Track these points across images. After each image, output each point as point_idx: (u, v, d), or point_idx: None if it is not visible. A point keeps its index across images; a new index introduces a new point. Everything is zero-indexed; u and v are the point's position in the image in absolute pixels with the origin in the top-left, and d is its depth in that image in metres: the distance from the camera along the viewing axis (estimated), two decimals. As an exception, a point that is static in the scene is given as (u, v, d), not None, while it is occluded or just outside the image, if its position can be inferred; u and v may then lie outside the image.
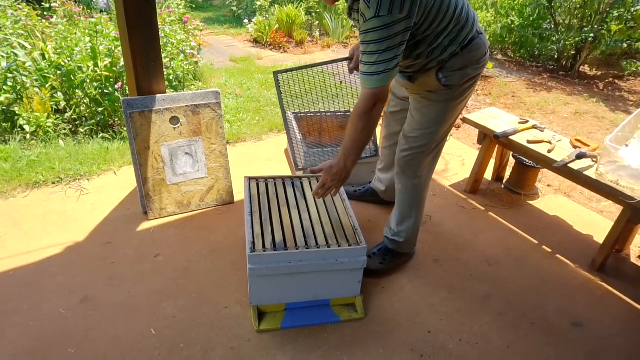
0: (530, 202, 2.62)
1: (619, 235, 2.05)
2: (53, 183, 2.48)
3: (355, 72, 2.09)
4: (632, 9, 4.66)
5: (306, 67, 2.30)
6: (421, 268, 2.04)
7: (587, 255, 2.17)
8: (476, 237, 2.27)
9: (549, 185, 2.83)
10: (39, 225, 2.15)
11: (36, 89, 3.02)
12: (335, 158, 1.56)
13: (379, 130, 2.33)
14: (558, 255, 2.19)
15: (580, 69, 5.35)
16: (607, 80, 5.15)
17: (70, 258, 1.96)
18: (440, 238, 2.25)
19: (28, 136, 2.89)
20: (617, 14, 4.78)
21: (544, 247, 2.24)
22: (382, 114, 1.45)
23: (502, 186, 2.77)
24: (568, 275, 2.07)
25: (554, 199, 2.68)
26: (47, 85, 3.06)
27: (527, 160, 2.58)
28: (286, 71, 2.30)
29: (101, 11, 5.12)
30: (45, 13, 4.25)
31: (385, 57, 1.34)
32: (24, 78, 3.02)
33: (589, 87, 4.94)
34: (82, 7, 4.77)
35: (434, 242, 2.22)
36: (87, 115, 3.14)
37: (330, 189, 1.61)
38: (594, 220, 2.48)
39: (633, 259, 2.21)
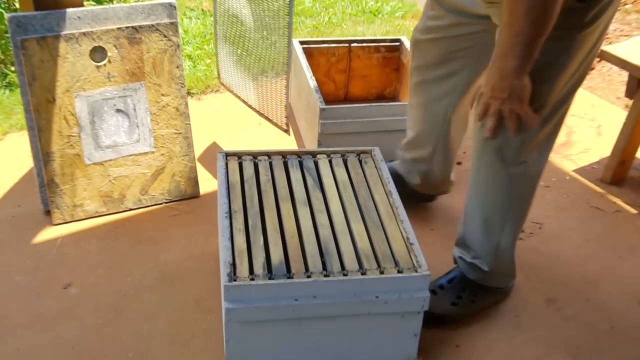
0: None
1: None
2: None
3: None
4: None
5: None
6: (524, 313, 2.02)
7: None
8: (623, 262, 2.26)
9: None
10: None
11: None
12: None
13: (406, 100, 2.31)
14: None
15: None
16: None
17: None
18: (557, 262, 2.24)
19: None
20: None
21: None
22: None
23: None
24: None
25: None
26: None
27: None
28: None
29: None
30: None
31: None
32: None
33: None
34: None
35: (546, 268, 2.20)
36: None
37: (497, 113, 1.62)
38: None
39: None
